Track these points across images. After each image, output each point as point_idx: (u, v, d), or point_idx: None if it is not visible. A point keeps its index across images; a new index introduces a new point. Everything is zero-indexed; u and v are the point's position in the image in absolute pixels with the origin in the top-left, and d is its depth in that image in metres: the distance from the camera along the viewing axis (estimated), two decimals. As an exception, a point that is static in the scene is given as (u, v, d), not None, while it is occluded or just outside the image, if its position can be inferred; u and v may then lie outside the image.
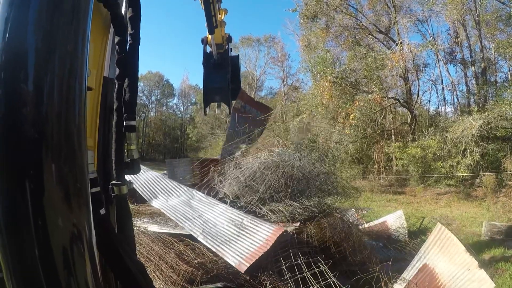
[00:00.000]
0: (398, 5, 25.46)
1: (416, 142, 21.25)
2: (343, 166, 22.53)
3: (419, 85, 27.88)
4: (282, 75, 51.43)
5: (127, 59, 1.54)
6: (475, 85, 25.04)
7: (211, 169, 8.51)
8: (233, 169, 7.71)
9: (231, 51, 3.30)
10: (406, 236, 9.05)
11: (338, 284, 4.92)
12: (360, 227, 9.58)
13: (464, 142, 18.50)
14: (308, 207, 6.58)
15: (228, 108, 3.35)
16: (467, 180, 18.80)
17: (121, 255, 1.33)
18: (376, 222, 10.46)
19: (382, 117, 26.30)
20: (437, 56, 27.19)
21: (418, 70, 27.33)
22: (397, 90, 25.20)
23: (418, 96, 28.12)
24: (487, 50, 24.04)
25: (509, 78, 24.03)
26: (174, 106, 72.03)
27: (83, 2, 0.86)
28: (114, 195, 1.55)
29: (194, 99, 66.54)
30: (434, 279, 5.33)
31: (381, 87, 23.36)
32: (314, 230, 6.01)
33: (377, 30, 26.47)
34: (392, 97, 24.61)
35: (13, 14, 0.78)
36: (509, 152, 19.48)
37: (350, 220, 7.59)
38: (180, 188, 7.66)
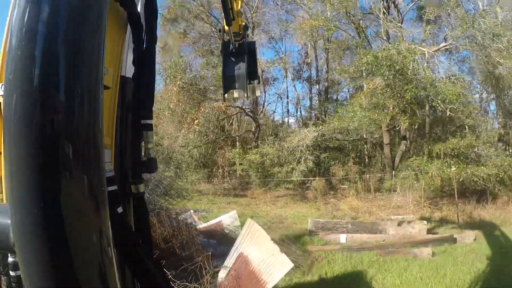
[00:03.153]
0: (257, 22, 27.06)
1: (256, 149, 22.57)
2: (188, 169, 23.04)
3: (265, 96, 30.09)
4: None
5: (144, 58, 1.54)
6: (317, 101, 28.01)
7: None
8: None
9: (247, 37, 3.37)
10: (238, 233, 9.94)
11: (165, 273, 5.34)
12: (198, 226, 10.38)
13: (300, 150, 20.31)
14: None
15: (245, 93, 3.40)
16: (304, 184, 20.83)
17: (140, 254, 1.31)
18: (212, 222, 11.21)
19: (229, 124, 27.56)
20: (286, 72, 29.61)
21: (266, 83, 29.49)
22: (244, 100, 26.88)
23: (263, 107, 30.01)
24: (333, 71, 26.58)
25: (348, 97, 27.66)
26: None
27: (104, 10, 0.89)
28: (132, 193, 1.54)
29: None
30: (248, 265, 6.32)
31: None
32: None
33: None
34: (238, 106, 25.92)
35: (42, 26, 0.78)
36: (338, 161, 22.57)
37: (188, 221, 8.02)
38: None
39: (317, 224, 11.52)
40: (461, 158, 16.42)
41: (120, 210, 1.34)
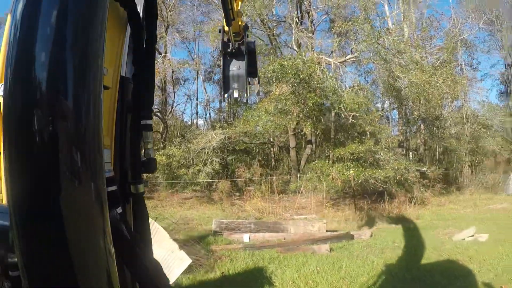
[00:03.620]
0: (171, 20, 26.43)
1: (163, 151, 22.06)
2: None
3: (174, 97, 29.40)
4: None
5: (144, 58, 1.53)
6: (226, 104, 28.23)
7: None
8: None
9: (247, 37, 3.32)
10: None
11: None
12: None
13: (206, 152, 20.31)
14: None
15: (245, 94, 3.34)
16: (211, 185, 20.78)
17: (139, 254, 1.32)
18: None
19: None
20: (197, 74, 29.28)
21: (176, 83, 28.88)
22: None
23: (172, 108, 29.38)
24: (243, 76, 27.27)
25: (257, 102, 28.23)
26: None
27: (105, 9, 0.88)
28: (131, 193, 1.54)
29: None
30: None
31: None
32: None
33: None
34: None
35: (50, 30, 0.77)
36: (244, 163, 22.85)
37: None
38: None
39: (221, 225, 11.65)
40: (360, 161, 17.40)
41: (119, 210, 1.32)
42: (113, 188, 1.33)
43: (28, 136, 0.74)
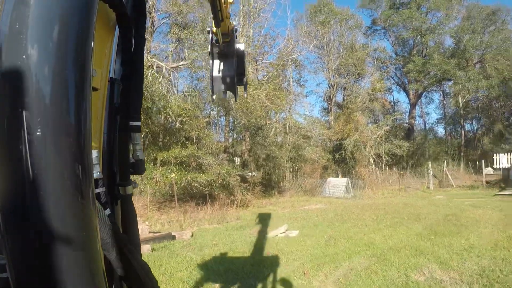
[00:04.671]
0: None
1: None
2: None
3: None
4: None
5: (133, 59, 1.53)
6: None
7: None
8: None
9: (236, 39, 3.17)
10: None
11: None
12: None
13: None
14: None
15: (234, 95, 3.17)
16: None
17: (127, 256, 1.32)
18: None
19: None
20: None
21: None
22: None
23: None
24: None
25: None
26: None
27: (93, 11, 0.88)
28: (120, 195, 1.53)
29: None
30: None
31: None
32: None
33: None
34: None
35: (37, 32, 0.78)
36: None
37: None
38: None
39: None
40: (184, 165, 17.80)
41: (108, 212, 1.31)
42: (102, 189, 1.33)
43: (15, 137, 0.75)
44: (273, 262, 7.92)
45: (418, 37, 42.06)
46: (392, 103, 47.63)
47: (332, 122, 36.44)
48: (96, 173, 1.29)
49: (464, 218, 12.32)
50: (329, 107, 38.88)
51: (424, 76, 41.45)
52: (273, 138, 25.51)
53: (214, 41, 3.18)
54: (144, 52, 1.65)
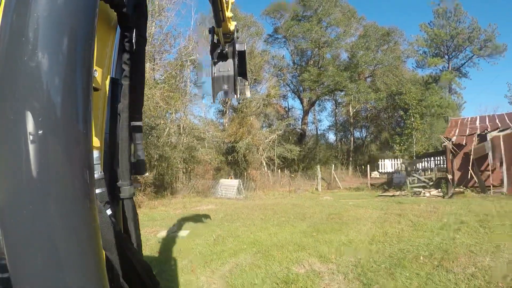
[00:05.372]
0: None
1: None
2: None
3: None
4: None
5: (134, 59, 1.54)
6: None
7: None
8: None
9: (237, 39, 3.18)
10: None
11: None
12: None
13: None
14: None
15: (235, 94, 3.14)
16: None
17: (128, 256, 1.34)
18: None
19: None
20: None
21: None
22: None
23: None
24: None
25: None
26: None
27: (95, 11, 0.91)
28: (120, 195, 1.53)
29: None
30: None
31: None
32: None
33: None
34: None
35: (36, 33, 0.81)
36: None
37: None
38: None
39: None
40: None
41: (109, 212, 1.30)
42: (103, 189, 1.33)
43: (15, 137, 0.76)
44: (162, 261, 8.02)
45: (316, 49, 44.92)
46: (287, 109, 50.03)
47: (226, 124, 37.02)
48: (97, 173, 1.32)
49: (346, 217, 13.24)
50: (224, 110, 39.60)
51: (318, 85, 44.20)
52: (167, 139, 25.11)
53: (215, 41, 3.20)
54: (145, 51, 1.67)
